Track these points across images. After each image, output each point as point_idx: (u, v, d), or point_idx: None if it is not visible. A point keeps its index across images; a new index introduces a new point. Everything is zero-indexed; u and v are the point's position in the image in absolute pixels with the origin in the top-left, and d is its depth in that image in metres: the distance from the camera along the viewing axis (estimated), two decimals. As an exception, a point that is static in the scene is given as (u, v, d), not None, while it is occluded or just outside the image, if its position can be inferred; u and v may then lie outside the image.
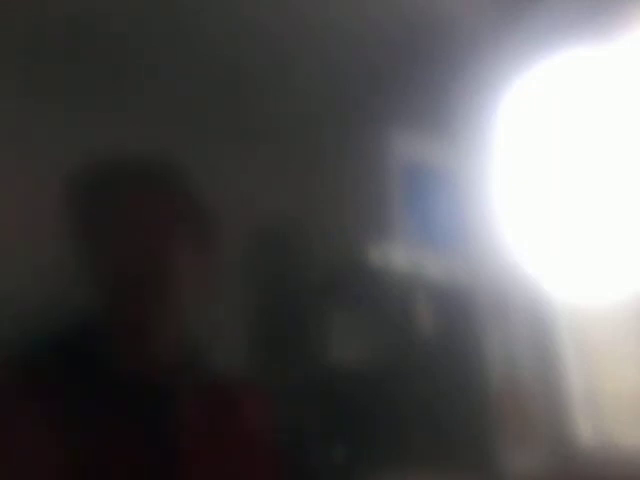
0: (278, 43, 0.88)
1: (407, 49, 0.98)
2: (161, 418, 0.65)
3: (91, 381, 0.64)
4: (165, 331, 0.68)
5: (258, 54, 0.87)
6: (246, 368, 0.80)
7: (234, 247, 0.79)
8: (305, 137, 0.90)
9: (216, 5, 0.86)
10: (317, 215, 0.89)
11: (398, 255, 0.95)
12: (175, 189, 0.70)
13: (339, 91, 0.93)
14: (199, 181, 0.75)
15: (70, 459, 0.61)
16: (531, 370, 1.02)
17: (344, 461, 0.85)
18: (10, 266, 0.69)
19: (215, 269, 0.73)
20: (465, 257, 0.98)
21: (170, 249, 0.69)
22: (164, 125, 0.80)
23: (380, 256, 0.93)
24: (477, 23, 1.03)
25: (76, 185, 0.68)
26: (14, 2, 0.73)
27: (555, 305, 1.03)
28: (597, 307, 1.03)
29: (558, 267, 1.01)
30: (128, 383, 0.64)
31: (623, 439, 1.00)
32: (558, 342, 1.03)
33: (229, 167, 0.81)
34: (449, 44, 1.00)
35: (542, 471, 0.96)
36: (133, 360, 0.67)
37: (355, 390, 0.87)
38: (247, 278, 0.83)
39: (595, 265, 1.02)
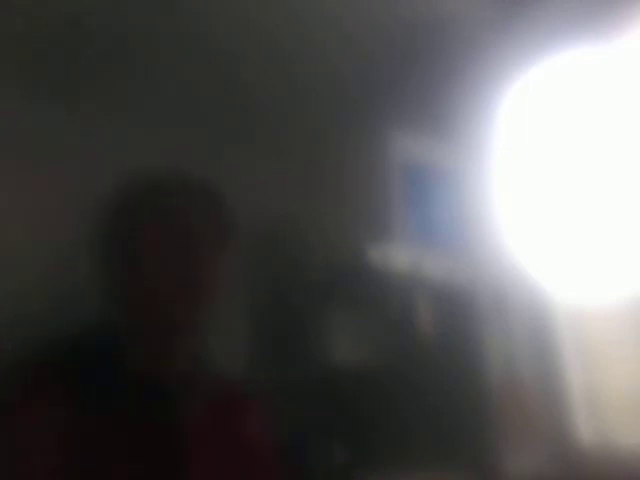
0: (279, 45, 0.88)
1: (407, 49, 0.98)
2: (172, 418, 0.65)
3: (106, 381, 0.64)
4: (181, 332, 0.69)
5: (259, 56, 0.87)
6: (248, 369, 0.80)
7: (236, 248, 0.79)
8: (305, 138, 0.91)
9: (219, 7, 0.86)
10: (318, 215, 0.89)
11: (398, 255, 0.95)
12: (190, 195, 0.71)
13: (340, 91, 0.93)
14: (202, 182, 0.75)
15: (82, 457, 0.61)
16: (531, 370, 1.02)
17: (345, 460, 0.86)
18: (33, 269, 0.70)
19: (224, 271, 0.73)
20: (465, 257, 0.98)
21: (190, 252, 0.69)
22: (165, 127, 0.80)
23: (380, 256, 0.93)
24: (477, 23, 1.03)
25: (109, 199, 0.69)
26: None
27: (555, 305, 1.03)
28: (597, 307, 1.03)
29: (558, 267, 1.02)
30: (142, 384, 0.65)
31: (623, 439, 1.01)
32: (558, 342, 1.03)
33: (229, 169, 0.81)
34: (449, 44, 1.00)
35: (542, 471, 0.96)
36: (149, 362, 0.67)
37: (355, 390, 0.88)
38: (248, 279, 0.83)
39: (595, 265, 1.02)
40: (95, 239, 0.70)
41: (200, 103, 0.83)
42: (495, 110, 1.05)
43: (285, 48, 0.88)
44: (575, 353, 1.04)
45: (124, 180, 0.71)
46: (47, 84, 0.77)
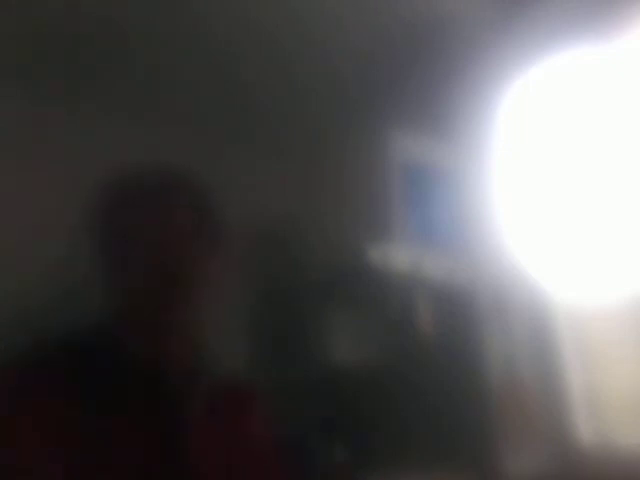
0: (279, 45, 0.88)
1: (407, 49, 0.98)
2: (172, 418, 0.65)
3: (106, 381, 0.64)
4: (181, 332, 0.69)
5: (259, 56, 0.87)
6: (247, 368, 0.80)
7: (236, 248, 0.79)
8: (305, 138, 0.91)
9: (219, 7, 0.86)
10: (318, 215, 0.89)
11: (398, 255, 0.95)
12: (184, 191, 0.71)
13: (340, 91, 0.93)
14: (203, 182, 0.75)
15: (82, 457, 0.61)
16: (531, 370, 1.02)
17: (345, 460, 0.86)
18: (33, 268, 0.70)
19: (223, 270, 0.73)
20: (465, 257, 0.98)
21: (189, 251, 0.69)
22: (166, 126, 0.80)
23: (380, 256, 0.93)
24: (477, 23, 1.03)
25: (103, 194, 0.69)
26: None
27: (555, 305, 1.03)
28: (597, 307, 1.03)
29: (558, 267, 1.02)
30: (141, 384, 0.65)
31: (623, 439, 1.01)
32: (558, 342, 1.03)
33: (230, 169, 0.81)
34: (449, 44, 1.00)
35: (542, 471, 0.96)
36: (148, 362, 0.67)
37: (355, 390, 0.88)
38: (248, 279, 0.83)
39: (595, 265, 1.02)
40: (94, 239, 0.71)
41: (200, 103, 0.83)
42: (495, 110, 1.05)
43: (285, 48, 0.88)
44: (575, 353, 1.04)
45: (124, 180, 0.71)
46: (47, 84, 0.77)
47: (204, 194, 0.74)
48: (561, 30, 1.05)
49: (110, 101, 0.79)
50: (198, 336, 0.72)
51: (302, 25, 0.90)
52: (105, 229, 0.70)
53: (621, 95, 1.05)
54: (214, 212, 0.73)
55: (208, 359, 0.74)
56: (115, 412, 0.64)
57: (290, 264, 0.88)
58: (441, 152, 1.03)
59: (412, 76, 0.98)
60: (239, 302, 0.82)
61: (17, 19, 0.76)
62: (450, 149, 1.02)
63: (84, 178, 0.73)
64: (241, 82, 0.86)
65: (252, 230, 0.84)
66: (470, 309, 0.98)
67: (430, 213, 1.02)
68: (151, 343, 0.69)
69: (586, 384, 1.04)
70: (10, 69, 0.74)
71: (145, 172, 0.72)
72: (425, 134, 1.02)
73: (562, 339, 1.04)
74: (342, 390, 0.87)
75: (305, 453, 0.82)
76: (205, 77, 0.83)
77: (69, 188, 0.73)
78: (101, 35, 0.79)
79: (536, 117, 1.07)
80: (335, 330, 0.90)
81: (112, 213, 0.70)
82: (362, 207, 0.94)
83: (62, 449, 0.62)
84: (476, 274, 0.98)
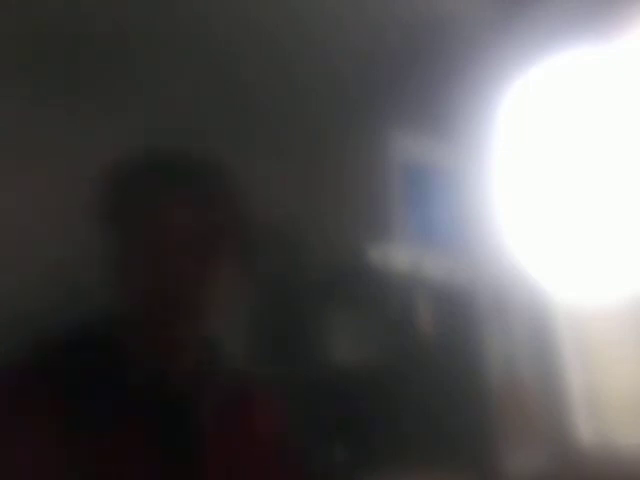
0: (279, 45, 0.88)
1: (407, 49, 0.98)
2: (174, 417, 0.65)
3: (107, 380, 0.64)
4: (182, 332, 0.69)
5: (259, 56, 0.87)
6: (248, 369, 0.80)
7: (236, 248, 0.79)
8: (305, 138, 0.91)
9: (219, 7, 0.86)
10: (318, 215, 0.89)
11: (398, 255, 0.95)
12: (184, 191, 0.70)
13: (340, 91, 0.93)
14: (203, 182, 0.75)
15: (90, 460, 0.61)
16: (531, 370, 1.02)
17: (345, 460, 0.86)
18: (37, 272, 0.70)
19: (223, 271, 0.73)
20: (465, 257, 0.98)
21: (189, 251, 0.69)
22: (165, 127, 0.80)
23: (380, 256, 0.93)
24: (477, 23, 1.03)
25: (110, 188, 0.69)
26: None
27: (555, 305, 1.03)
28: (597, 307, 1.03)
29: (558, 268, 1.02)
30: (143, 383, 0.65)
31: (623, 439, 1.01)
32: (558, 342, 1.03)
33: (230, 169, 0.81)
34: (449, 44, 1.00)
35: (542, 471, 0.96)
36: (149, 361, 0.67)
37: (355, 390, 0.88)
38: (248, 279, 0.83)
39: (595, 265, 1.02)
40: (94, 239, 0.70)
41: (200, 103, 0.83)
42: (495, 110, 1.05)
43: (285, 48, 0.88)
44: (575, 353, 1.04)
45: (124, 180, 0.71)
46: (47, 84, 0.77)
47: (204, 194, 0.73)
48: (561, 30, 1.05)
49: (110, 101, 0.79)
50: (198, 337, 0.72)
51: (302, 25, 0.90)
52: (105, 230, 0.70)
53: (621, 95, 1.05)
54: (214, 212, 0.73)
55: (208, 360, 0.74)
56: (115, 412, 0.64)
57: (290, 264, 0.88)
58: (441, 152, 1.03)
59: (412, 76, 0.98)
60: (239, 302, 0.82)
61: (17, 19, 0.76)
62: (450, 149, 1.02)
63: (84, 178, 0.73)
64: (241, 82, 0.86)
65: (252, 230, 0.84)
66: (470, 309, 0.98)
67: (430, 213, 1.02)
68: (151, 344, 0.69)
69: (586, 384, 1.04)
70: (10, 69, 0.74)
71: (144, 172, 0.72)
72: (425, 134, 1.02)
73: (562, 339, 1.04)
74: (342, 390, 0.87)
75: (305, 453, 0.82)
76: (205, 77, 0.84)
77: (69, 188, 0.73)
78: (101, 35, 0.79)
79: (536, 117, 1.07)
80: (335, 330, 0.90)
81: (112, 213, 0.70)
82: (362, 207, 0.94)
83: (62, 449, 0.62)
84: (476, 274, 0.98)
